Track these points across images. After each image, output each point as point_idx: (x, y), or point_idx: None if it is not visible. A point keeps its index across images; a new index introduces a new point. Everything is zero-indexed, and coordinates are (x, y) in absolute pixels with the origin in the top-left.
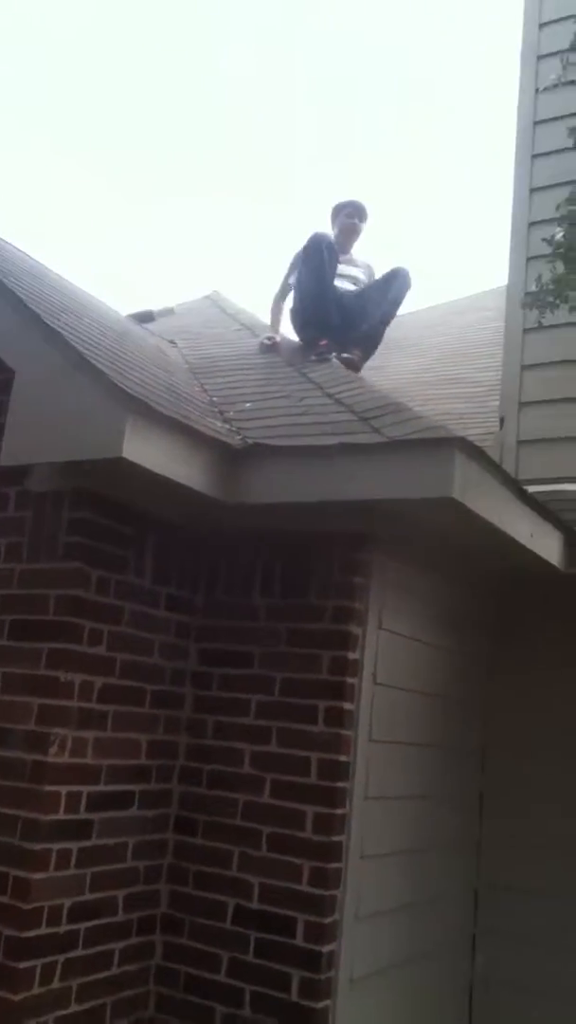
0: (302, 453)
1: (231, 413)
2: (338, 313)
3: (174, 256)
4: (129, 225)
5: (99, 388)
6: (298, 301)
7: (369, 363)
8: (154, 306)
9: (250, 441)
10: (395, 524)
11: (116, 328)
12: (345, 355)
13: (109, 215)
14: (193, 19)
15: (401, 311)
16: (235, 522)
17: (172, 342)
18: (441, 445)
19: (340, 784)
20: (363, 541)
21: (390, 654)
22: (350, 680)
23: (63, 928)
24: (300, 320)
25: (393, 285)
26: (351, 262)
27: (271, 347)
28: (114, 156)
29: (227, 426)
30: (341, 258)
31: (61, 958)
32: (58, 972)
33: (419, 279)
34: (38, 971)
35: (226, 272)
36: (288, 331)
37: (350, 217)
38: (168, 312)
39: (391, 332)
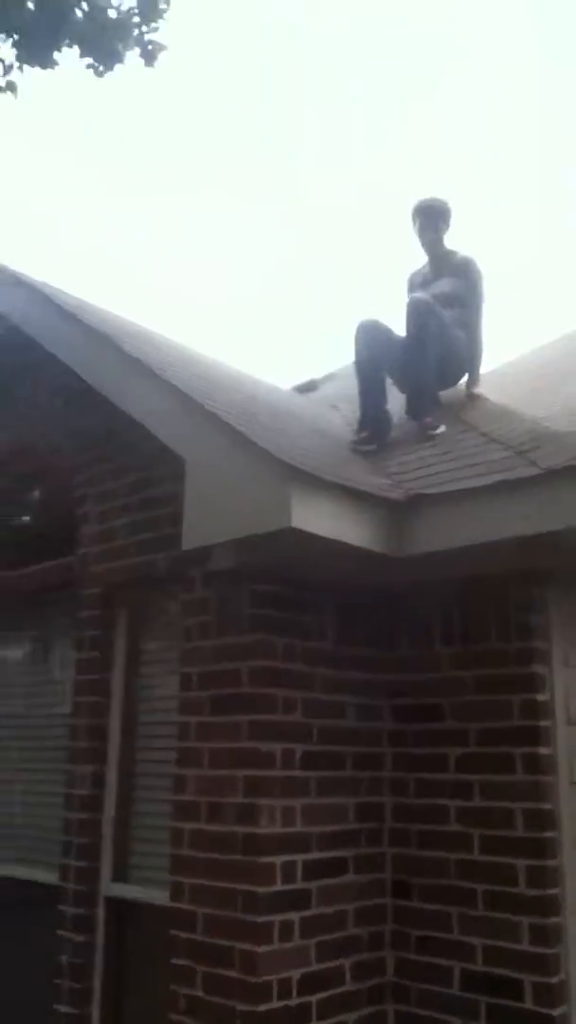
0: (461, 497)
1: (393, 467)
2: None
3: (176, 256)
4: (129, 224)
5: (261, 463)
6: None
7: (521, 394)
8: (314, 374)
9: (411, 492)
10: (567, 555)
11: (274, 401)
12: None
13: (108, 214)
14: (192, 18)
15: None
16: (408, 575)
17: (335, 407)
18: None
19: (548, 834)
20: (537, 577)
21: None
22: (543, 723)
23: (294, 1001)
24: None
25: (409, 328)
26: (439, 272)
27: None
28: (113, 155)
29: (388, 481)
30: (424, 275)
31: None
32: None
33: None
34: None
35: (230, 273)
36: None
37: (422, 232)
38: (329, 378)
39: (546, 354)
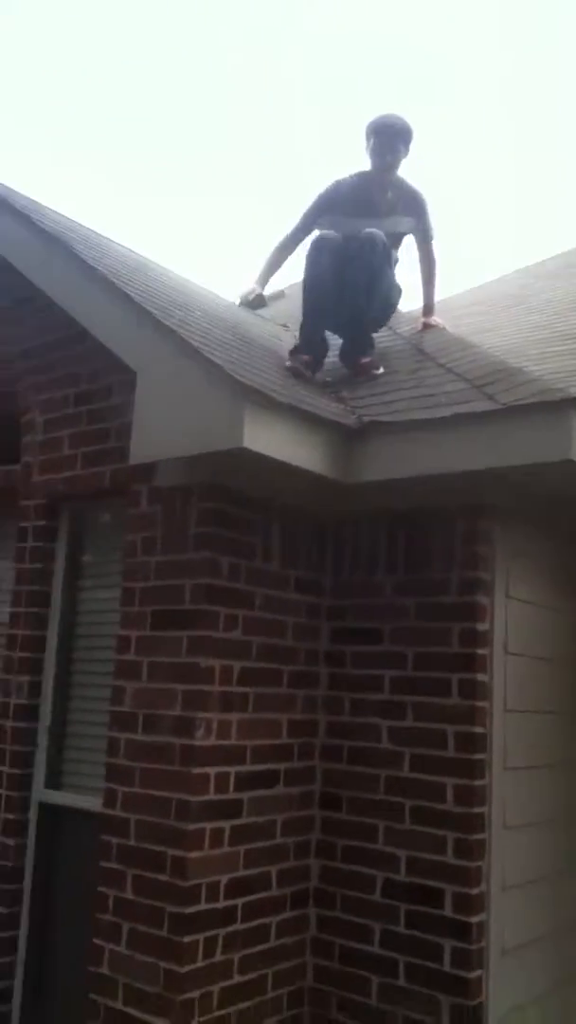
0: (415, 427)
1: (346, 392)
2: (335, 326)
3: (176, 256)
4: (129, 224)
5: (215, 381)
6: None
7: (484, 323)
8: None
9: (365, 419)
10: (516, 491)
11: (228, 318)
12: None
13: (108, 213)
14: (192, 18)
15: (513, 268)
16: (356, 502)
17: (285, 326)
18: (557, 407)
19: (478, 756)
20: (484, 510)
21: (520, 623)
22: (481, 651)
23: (221, 904)
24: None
25: (360, 268)
26: (389, 202)
27: (251, 304)
28: (113, 154)
29: (342, 406)
30: (366, 198)
31: (222, 932)
32: (220, 945)
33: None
34: (201, 944)
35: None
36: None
37: (379, 151)
38: (280, 295)
39: (502, 288)
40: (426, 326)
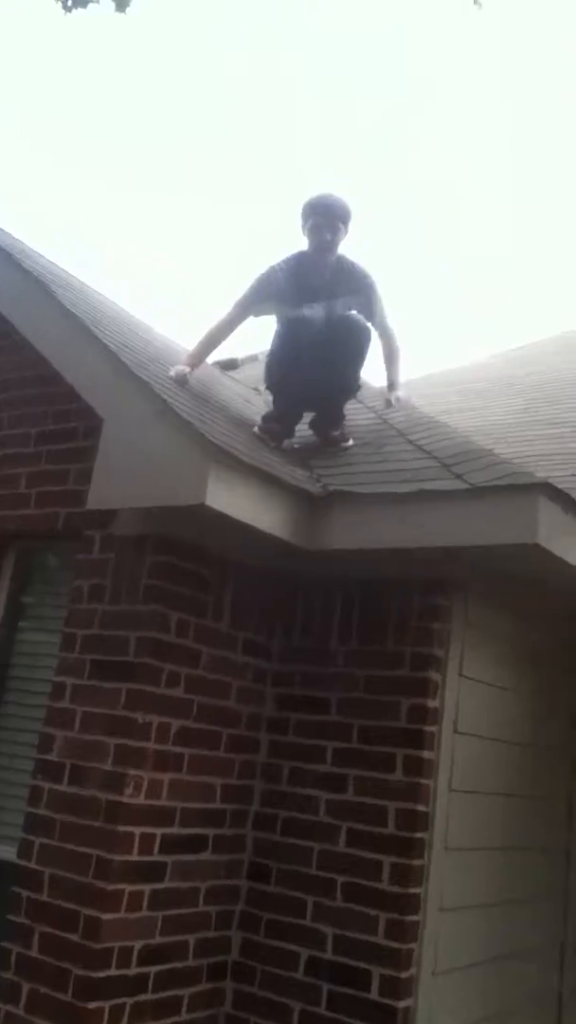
0: (381, 500)
1: (313, 461)
2: (304, 400)
3: (176, 256)
4: (131, 224)
5: (183, 437)
6: (269, 374)
7: (465, 404)
8: (238, 354)
9: (330, 488)
10: (478, 569)
11: (202, 377)
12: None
13: (108, 213)
14: (192, 19)
15: (491, 353)
16: (315, 568)
17: (256, 389)
18: (525, 491)
19: (418, 835)
20: (443, 586)
21: (472, 701)
22: (429, 728)
23: (132, 971)
24: (270, 392)
25: (339, 349)
26: (331, 283)
27: (179, 381)
28: (113, 155)
29: (309, 474)
30: (304, 280)
31: (130, 1001)
32: (126, 1015)
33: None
34: (106, 1013)
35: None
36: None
37: (318, 231)
38: (252, 359)
39: (482, 372)
40: (389, 404)
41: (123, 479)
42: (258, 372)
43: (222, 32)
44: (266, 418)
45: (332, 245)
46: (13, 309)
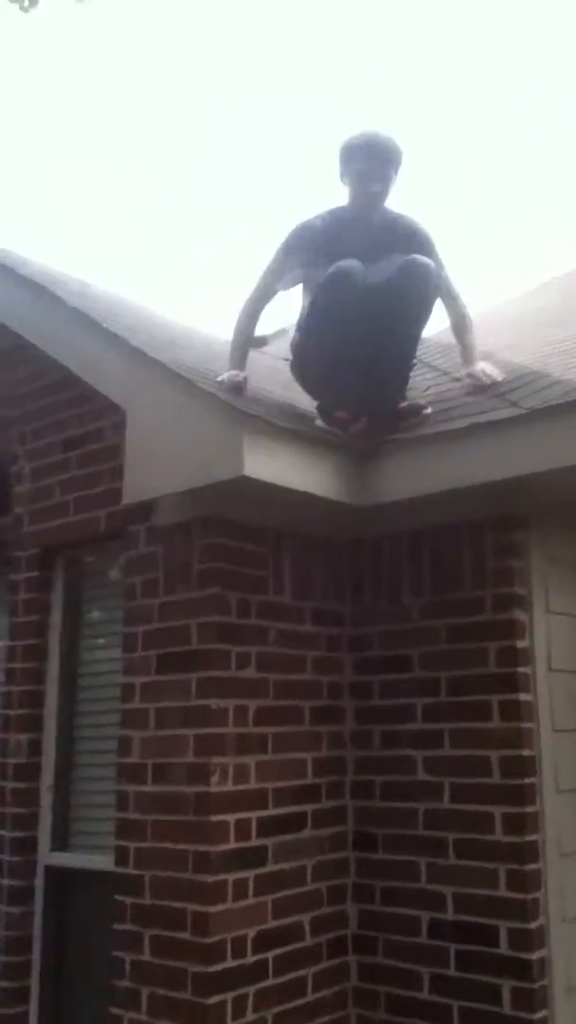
0: (432, 441)
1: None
2: (365, 372)
3: (176, 259)
4: (131, 226)
5: (211, 411)
6: (308, 355)
7: (503, 341)
8: (265, 331)
9: (376, 439)
10: (548, 498)
11: (223, 353)
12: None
13: (111, 216)
14: (192, 20)
15: (536, 281)
16: (372, 525)
17: (286, 359)
18: None
19: (528, 780)
20: (515, 521)
21: (564, 637)
22: (522, 670)
23: (250, 959)
24: (311, 378)
25: (409, 300)
26: (380, 240)
27: (234, 389)
28: (113, 158)
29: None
30: (350, 233)
31: (252, 989)
32: (250, 1004)
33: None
34: (229, 1005)
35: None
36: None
37: (364, 180)
38: (282, 333)
39: (524, 304)
40: (476, 381)
41: (156, 467)
42: (287, 345)
43: (221, 32)
44: (324, 408)
45: (381, 198)
46: (18, 319)
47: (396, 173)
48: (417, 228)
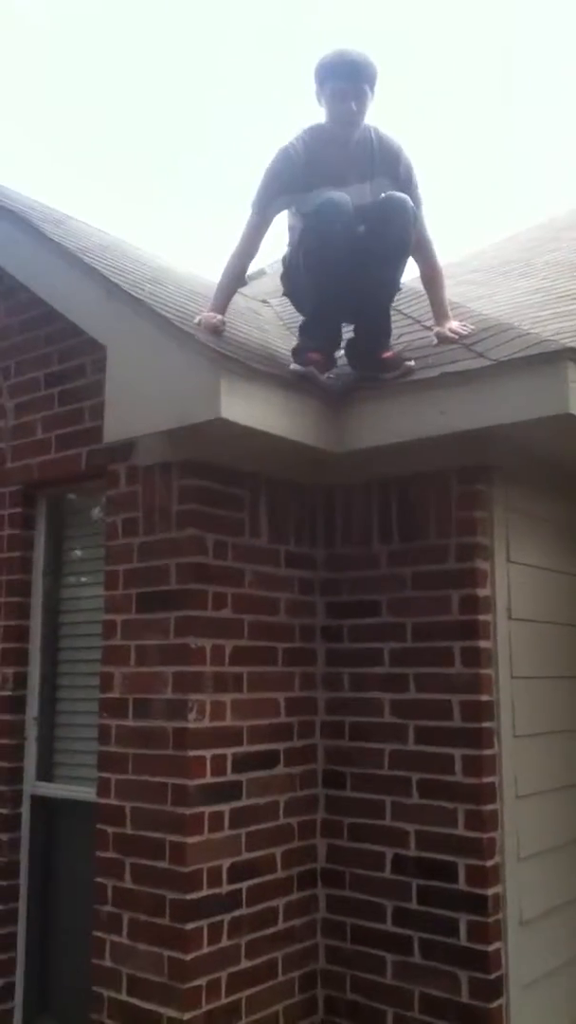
0: (404, 390)
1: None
2: (353, 313)
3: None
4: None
5: (189, 352)
6: (298, 287)
7: (476, 292)
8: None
9: (350, 384)
10: (513, 450)
11: (204, 293)
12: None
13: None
14: (191, 22)
15: (503, 234)
16: (346, 471)
17: (265, 301)
18: (551, 359)
19: (485, 724)
20: (480, 473)
21: (523, 587)
22: (483, 618)
23: (225, 889)
24: (303, 310)
25: (386, 239)
26: (363, 168)
27: (211, 331)
28: (115, 161)
29: (326, 374)
30: (342, 175)
31: (227, 917)
32: (225, 931)
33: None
34: (205, 931)
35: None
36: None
37: (340, 98)
38: (260, 274)
39: (496, 255)
40: (445, 338)
41: (135, 406)
42: (267, 286)
43: (220, 34)
44: (299, 349)
45: (359, 117)
46: (2, 254)
47: (372, 90)
48: (401, 155)
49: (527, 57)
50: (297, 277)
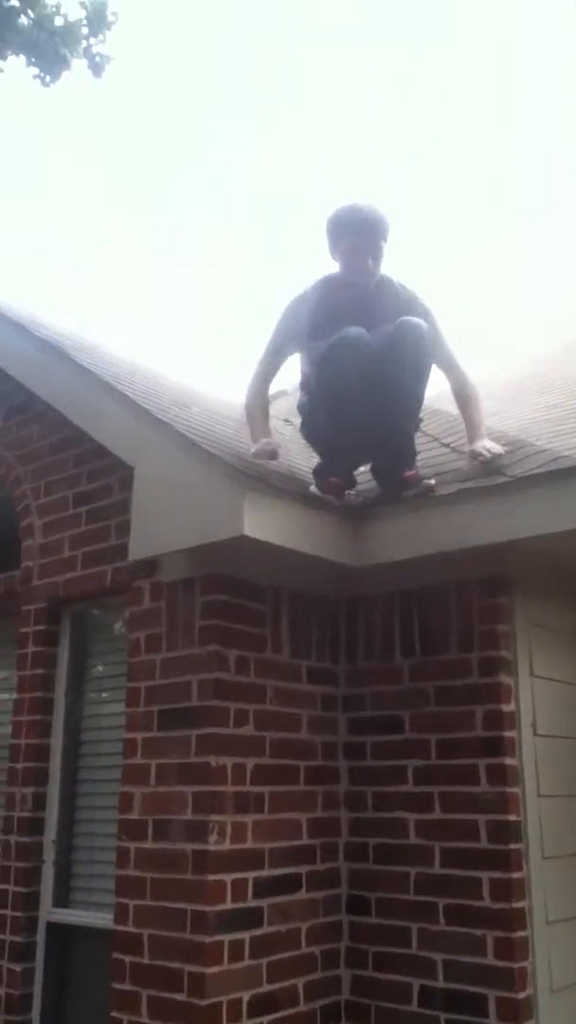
0: (422, 506)
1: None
2: (377, 439)
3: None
4: (133, 239)
5: (214, 471)
6: (315, 420)
7: (489, 408)
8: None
9: (369, 501)
10: (532, 563)
11: (226, 414)
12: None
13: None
14: (192, 24)
15: (513, 353)
16: (366, 585)
17: (287, 421)
18: (568, 475)
19: (513, 846)
20: (501, 586)
21: (547, 702)
22: (508, 734)
23: (245, 1023)
24: (320, 442)
25: (403, 363)
26: (374, 312)
27: (270, 455)
28: (115, 165)
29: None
30: (343, 307)
31: None
32: None
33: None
34: None
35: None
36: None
37: (356, 255)
38: (281, 394)
39: (507, 374)
40: (480, 458)
41: (160, 524)
42: (288, 405)
43: (220, 36)
44: (320, 472)
45: (375, 270)
46: (32, 378)
47: (385, 242)
48: (416, 301)
49: (527, 56)
50: (314, 420)
